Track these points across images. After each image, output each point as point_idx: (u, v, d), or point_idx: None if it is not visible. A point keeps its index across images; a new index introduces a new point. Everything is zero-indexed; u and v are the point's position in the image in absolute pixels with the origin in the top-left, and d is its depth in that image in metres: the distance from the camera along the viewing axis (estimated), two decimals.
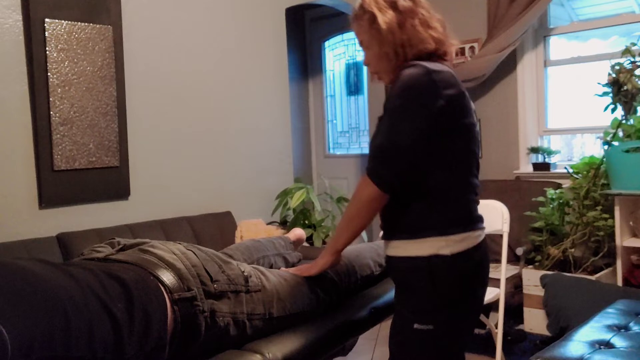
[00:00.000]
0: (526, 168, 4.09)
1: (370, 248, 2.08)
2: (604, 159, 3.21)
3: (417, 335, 1.53)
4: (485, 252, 1.61)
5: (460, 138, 1.55)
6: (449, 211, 1.55)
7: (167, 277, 1.35)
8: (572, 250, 3.29)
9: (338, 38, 5.48)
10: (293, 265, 2.14)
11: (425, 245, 1.53)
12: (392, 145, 1.51)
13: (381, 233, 1.69)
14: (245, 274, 1.50)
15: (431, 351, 1.56)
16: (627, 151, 3.02)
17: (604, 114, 3.28)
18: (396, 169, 1.52)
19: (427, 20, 1.62)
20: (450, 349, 1.60)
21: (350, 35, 5.40)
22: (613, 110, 3.24)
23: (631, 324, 1.94)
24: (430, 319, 1.53)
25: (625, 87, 3.14)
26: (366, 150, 5.15)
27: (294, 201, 3.38)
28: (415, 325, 1.53)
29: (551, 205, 3.44)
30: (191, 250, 1.47)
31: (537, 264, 3.42)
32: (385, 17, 1.59)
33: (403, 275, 1.59)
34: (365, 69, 5.17)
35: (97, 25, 2.82)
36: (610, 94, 3.22)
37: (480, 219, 1.62)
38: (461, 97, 1.55)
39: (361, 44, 1.69)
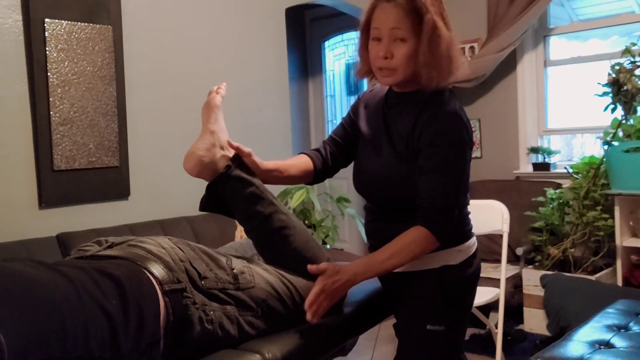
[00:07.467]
0: (526, 168, 4.09)
1: None
2: (604, 159, 3.21)
3: (430, 336, 1.57)
4: (478, 252, 1.69)
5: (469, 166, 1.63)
6: (458, 227, 1.61)
7: (157, 269, 1.34)
8: (572, 250, 3.29)
9: (338, 38, 5.48)
10: None
11: (436, 259, 1.58)
12: (456, 204, 1.53)
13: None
14: (235, 271, 1.48)
15: (443, 350, 1.60)
16: (627, 151, 3.02)
17: (604, 114, 3.28)
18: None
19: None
20: (458, 348, 1.65)
21: (351, 35, 5.38)
22: (613, 110, 3.25)
23: (631, 324, 1.94)
24: (442, 319, 1.57)
25: (625, 87, 3.14)
26: None
27: (294, 201, 3.38)
28: (428, 327, 1.56)
29: (551, 205, 3.44)
30: (179, 247, 1.46)
31: (537, 264, 3.42)
32: (445, 28, 1.49)
33: (411, 286, 1.62)
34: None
35: (97, 25, 2.82)
36: (610, 94, 3.23)
37: (471, 225, 1.70)
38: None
39: (392, 30, 1.48)
